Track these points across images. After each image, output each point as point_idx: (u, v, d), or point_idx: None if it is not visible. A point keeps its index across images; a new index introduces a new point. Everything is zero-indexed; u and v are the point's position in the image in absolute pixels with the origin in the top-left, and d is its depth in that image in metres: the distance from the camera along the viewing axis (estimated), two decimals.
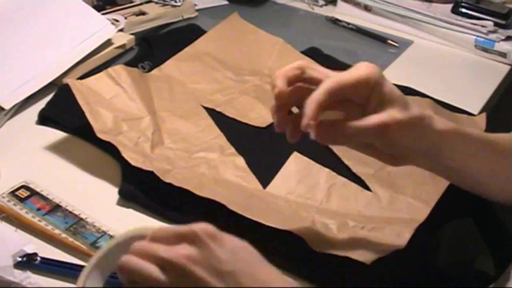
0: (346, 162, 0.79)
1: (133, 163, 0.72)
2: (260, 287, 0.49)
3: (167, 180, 0.71)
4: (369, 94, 0.58)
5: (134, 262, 0.48)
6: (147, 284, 0.48)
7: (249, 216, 0.67)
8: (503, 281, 0.58)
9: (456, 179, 0.68)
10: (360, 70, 0.58)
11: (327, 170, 0.78)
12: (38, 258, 0.62)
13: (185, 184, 0.71)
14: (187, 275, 0.47)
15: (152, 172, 0.72)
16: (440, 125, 0.60)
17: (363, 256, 0.62)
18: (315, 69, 0.61)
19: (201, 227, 0.49)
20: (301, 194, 0.74)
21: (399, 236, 0.67)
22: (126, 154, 0.73)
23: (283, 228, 0.66)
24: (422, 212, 0.72)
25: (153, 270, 0.48)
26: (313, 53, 1.05)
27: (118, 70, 0.87)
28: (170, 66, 0.96)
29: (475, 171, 0.64)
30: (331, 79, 0.58)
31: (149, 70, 0.96)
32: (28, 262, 0.62)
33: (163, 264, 0.48)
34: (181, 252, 0.48)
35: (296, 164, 0.79)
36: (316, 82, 0.59)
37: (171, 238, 0.49)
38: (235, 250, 0.50)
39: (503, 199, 0.70)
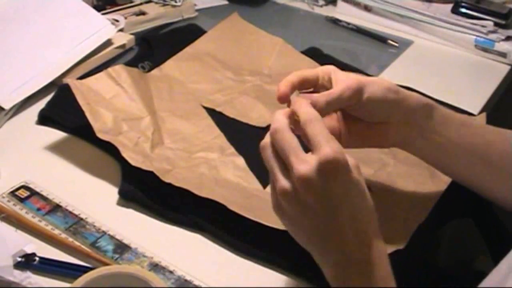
0: None
1: (133, 163, 0.72)
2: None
3: (167, 180, 0.71)
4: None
5: (267, 153, 0.56)
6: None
7: (249, 216, 0.67)
8: (495, 277, 0.58)
9: (447, 166, 0.72)
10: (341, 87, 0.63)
11: None
12: (37, 258, 0.62)
13: (185, 184, 0.71)
14: (301, 191, 0.53)
15: (152, 172, 0.72)
16: (422, 99, 0.68)
17: None
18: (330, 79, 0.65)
19: (335, 157, 0.52)
20: None
21: (399, 237, 0.67)
22: (126, 154, 0.73)
23: (283, 228, 0.66)
24: (422, 212, 0.72)
25: (278, 166, 0.55)
26: (313, 53, 1.05)
27: (118, 70, 0.87)
28: (170, 66, 0.96)
29: (464, 155, 0.69)
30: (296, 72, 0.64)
31: (149, 70, 0.96)
32: (27, 262, 0.62)
33: (289, 166, 0.54)
34: (307, 173, 0.52)
35: None
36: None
37: (310, 139, 0.54)
38: (349, 188, 0.54)
39: (495, 199, 0.72)
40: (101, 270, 0.55)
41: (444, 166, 0.72)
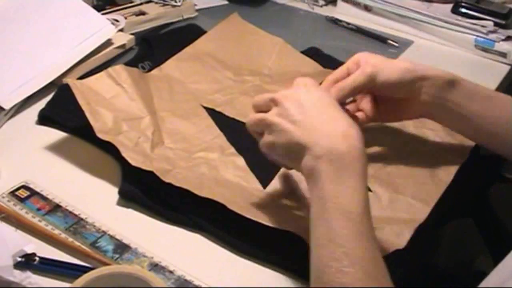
0: None
1: (133, 163, 0.72)
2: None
3: (167, 180, 0.71)
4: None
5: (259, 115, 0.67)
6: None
7: (249, 216, 0.67)
8: (494, 277, 0.57)
9: (469, 129, 0.77)
10: (365, 72, 0.73)
11: None
12: (37, 258, 0.62)
13: (185, 184, 0.71)
14: (281, 104, 0.64)
15: (152, 172, 0.72)
16: (439, 72, 0.75)
17: None
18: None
19: (304, 78, 0.68)
20: (301, 194, 0.74)
21: (399, 236, 0.67)
22: (126, 154, 0.73)
23: (283, 228, 0.66)
24: (422, 212, 0.72)
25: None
26: (313, 53, 1.05)
27: (118, 70, 0.87)
28: (170, 66, 0.96)
29: (483, 121, 0.75)
30: (340, 87, 0.73)
31: (149, 70, 0.96)
32: (27, 262, 0.62)
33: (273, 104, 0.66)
34: (285, 92, 0.65)
35: None
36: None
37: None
38: (320, 96, 0.65)
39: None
40: (101, 270, 0.55)
41: (469, 135, 0.79)
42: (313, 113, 0.62)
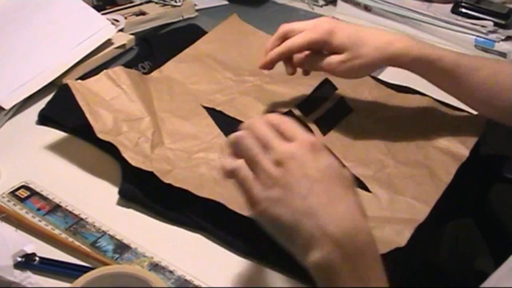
0: (346, 163, 0.79)
1: (133, 163, 0.72)
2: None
3: (167, 181, 0.71)
4: (325, 48, 0.80)
5: (246, 142, 0.55)
6: (247, 171, 0.54)
7: (249, 216, 0.67)
8: (494, 278, 0.57)
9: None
10: (310, 32, 0.79)
11: None
12: (37, 258, 0.62)
13: (185, 184, 0.71)
14: (287, 168, 0.53)
15: (152, 172, 0.72)
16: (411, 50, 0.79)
17: None
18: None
19: (314, 141, 0.54)
20: None
21: (399, 235, 0.67)
22: (126, 154, 0.73)
23: None
24: (422, 212, 0.72)
25: (260, 153, 0.54)
26: None
27: (118, 71, 0.87)
28: (170, 68, 0.96)
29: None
30: (285, 42, 0.81)
31: (149, 70, 0.96)
32: (27, 262, 0.62)
33: (270, 150, 0.54)
34: (292, 150, 0.53)
35: None
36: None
37: (286, 133, 0.55)
38: (330, 167, 0.54)
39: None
40: (101, 270, 0.55)
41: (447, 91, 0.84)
42: (320, 189, 0.52)
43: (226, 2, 1.26)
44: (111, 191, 0.73)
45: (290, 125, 0.56)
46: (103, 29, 0.99)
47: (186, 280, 0.62)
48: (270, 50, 0.83)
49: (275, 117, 0.57)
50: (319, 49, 0.81)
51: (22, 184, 0.72)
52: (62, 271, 0.62)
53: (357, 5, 1.23)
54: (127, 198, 0.72)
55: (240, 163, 0.55)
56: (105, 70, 0.88)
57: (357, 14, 1.23)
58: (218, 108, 0.89)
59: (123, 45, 1.02)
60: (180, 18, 1.16)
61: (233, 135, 0.57)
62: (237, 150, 0.56)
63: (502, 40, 1.09)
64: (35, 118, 0.85)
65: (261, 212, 0.54)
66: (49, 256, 0.63)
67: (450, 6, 1.16)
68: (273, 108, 0.89)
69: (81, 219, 0.68)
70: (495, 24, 1.11)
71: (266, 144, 0.54)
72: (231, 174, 0.56)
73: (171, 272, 0.63)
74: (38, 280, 0.61)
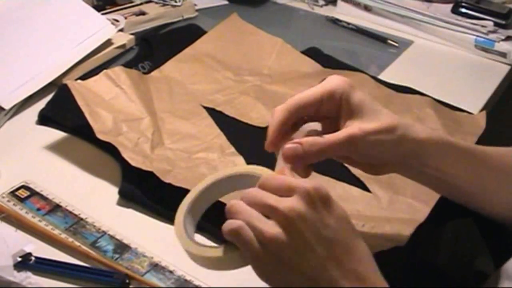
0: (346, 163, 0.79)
1: (133, 163, 0.72)
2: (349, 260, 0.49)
3: (167, 181, 0.71)
4: (338, 108, 0.58)
5: (240, 206, 0.50)
6: (249, 231, 0.49)
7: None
8: (495, 279, 0.57)
9: (446, 191, 0.67)
10: (325, 85, 0.58)
11: (326, 178, 0.77)
12: (33, 258, 0.62)
13: (185, 184, 0.71)
14: (292, 229, 0.48)
15: (152, 172, 0.72)
16: (419, 134, 0.59)
17: None
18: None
19: (315, 187, 0.49)
20: None
21: (399, 235, 0.67)
22: (126, 155, 0.73)
23: None
24: (422, 212, 0.72)
25: (257, 216, 0.49)
26: (313, 53, 1.05)
27: (117, 71, 0.87)
28: (170, 68, 0.96)
29: (463, 183, 0.64)
30: (292, 97, 0.58)
31: (149, 70, 0.96)
32: (24, 262, 0.62)
33: (270, 213, 0.48)
34: (293, 205, 0.48)
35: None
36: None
37: (282, 189, 0.49)
38: (341, 219, 0.50)
39: (497, 215, 0.69)
40: (217, 174, 0.57)
41: (437, 190, 0.69)
42: (329, 244, 0.49)
43: (226, 2, 1.26)
44: (111, 191, 0.73)
45: (282, 178, 0.51)
46: (103, 29, 0.99)
47: (186, 280, 0.62)
48: None
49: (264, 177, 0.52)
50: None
51: (22, 184, 0.72)
52: (62, 271, 0.62)
53: (357, 5, 1.23)
54: (127, 198, 0.72)
55: (240, 223, 0.50)
56: (104, 70, 0.88)
57: (357, 14, 1.23)
58: (218, 108, 0.89)
59: (123, 45, 1.02)
60: (180, 18, 1.16)
61: (230, 204, 0.52)
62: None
63: (502, 40, 1.09)
64: (35, 118, 0.85)
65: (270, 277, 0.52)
66: (49, 256, 0.63)
67: (450, 6, 1.16)
68: (273, 108, 0.89)
69: (81, 219, 0.68)
70: (495, 24, 1.11)
71: (265, 208, 0.49)
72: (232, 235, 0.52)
73: (171, 272, 0.63)
74: (38, 280, 0.61)
